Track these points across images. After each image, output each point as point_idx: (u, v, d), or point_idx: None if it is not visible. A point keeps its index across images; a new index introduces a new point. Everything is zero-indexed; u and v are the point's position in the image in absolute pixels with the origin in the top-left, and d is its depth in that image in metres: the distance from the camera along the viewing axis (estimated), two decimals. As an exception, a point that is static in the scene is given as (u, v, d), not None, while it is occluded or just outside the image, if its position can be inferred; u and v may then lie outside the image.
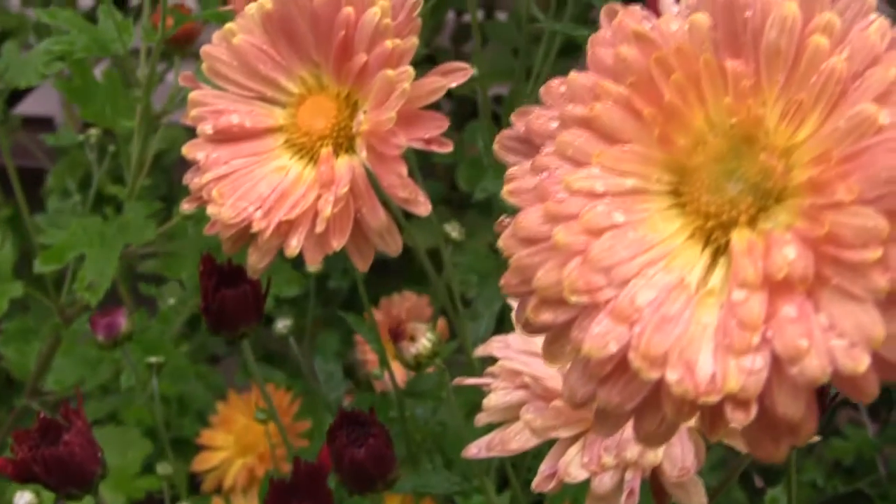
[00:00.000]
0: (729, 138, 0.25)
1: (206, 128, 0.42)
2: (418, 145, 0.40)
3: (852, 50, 0.23)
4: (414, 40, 0.40)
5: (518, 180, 0.25)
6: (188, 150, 0.42)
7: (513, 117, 0.27)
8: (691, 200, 0.25)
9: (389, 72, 0.39)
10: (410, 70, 0.39)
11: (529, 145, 0.26)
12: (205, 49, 0.43)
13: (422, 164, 1.22)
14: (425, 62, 1.31)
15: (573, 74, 0.25)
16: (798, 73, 0.24)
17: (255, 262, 0.41)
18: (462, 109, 1.23)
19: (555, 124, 0.25)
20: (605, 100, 0.25)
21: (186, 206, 0.43)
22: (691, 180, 0.25)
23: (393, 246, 0.41)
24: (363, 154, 0.40)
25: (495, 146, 0.26)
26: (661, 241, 0.24)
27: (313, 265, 0.40)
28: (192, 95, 0.43)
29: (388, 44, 0.39)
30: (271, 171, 0.42)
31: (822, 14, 0.24)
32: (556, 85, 0.26)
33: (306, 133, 0.42)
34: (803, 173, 0.24)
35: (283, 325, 0.58)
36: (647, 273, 0.24)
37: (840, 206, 0.22)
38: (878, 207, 0.22)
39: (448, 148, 0.39)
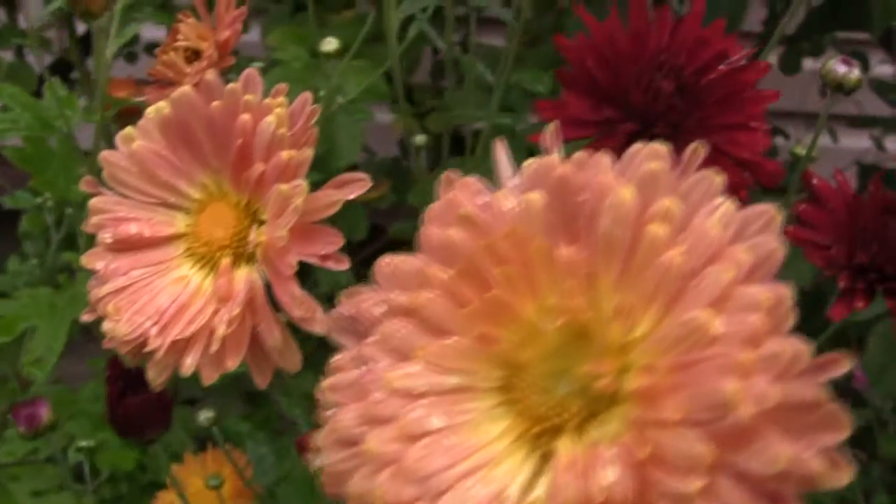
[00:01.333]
0: (561, 333, 0.22)
1: (105, 236, 0.41)
2: (314, 261, 0.38)
3: (692, 242, 0.21)
4: (309, 152, 0.38)
5: (341, 372, 0.23)
6: (87, 261, 0.41)
7: (342, 297, 0.25)
8: (521, 399, 0.22)
9: (283, 186, 0.37)
10: (304, 185, 0.37)
11: (361, 327, 0.24)
12: (103, 155, 0.41)
13: (396, 205, 1.21)
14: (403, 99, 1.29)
15: (400, 258, 0.23)
16: (634, 266, 0.22)
17: (154, 377, 0.40)
18: (439, 145, 1.21)
19: (382, 309, 0.23)
20: (431, 287, 0.23)
21: (86, 318, 0.41)
22: (522, 377, 0.23)
23: (291, 363, 0.39)
24: (261, 268, 0.38)
25: (328, 327, 0.24)
26: (484, 447, 0.22)
27: (209, 382, 0.39)
28: (93, 202, 0.41)
29: (284, 155, 0.37)
30: (171, 281, 0.40)
31: (661, 200, 0.21)
32: (386, 264, 0.24)
33: (206, 242, 0.40)
34: (635, 379, 0.21)
35: (204, 417, 0.56)
36: (465, 485, 0.21)
37: (665, 425, 0.20)
38: (704, 431, 0.20)
39: (344, 266, 0.37)
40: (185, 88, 0.39)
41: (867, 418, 1.22)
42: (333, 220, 1.14)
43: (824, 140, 1.48)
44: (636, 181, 0.22)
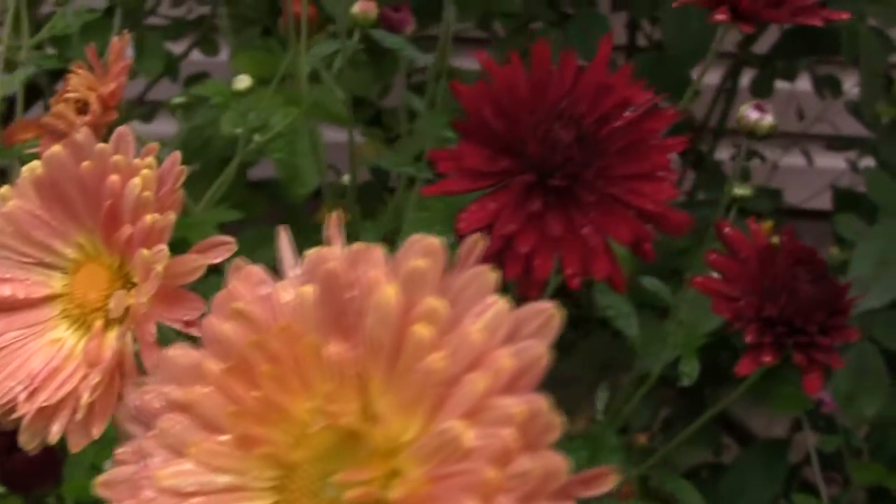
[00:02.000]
0: (331, 434, 0.22)
1: (-22, 300, 0.40)
2: (179, 326, 0.37)
3: (455, 345, 0.20)
4: (172, 216, 0.37)
5: (121, 466, 0.23)
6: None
7: (127, 388, 0.24)
8: (293, 501, 0.22)
9: (145, 252, 0.36)
10: (165, 250, 0.36)
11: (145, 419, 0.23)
12: (-24, 215, 0.40)
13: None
14: (373, 123, 1.29)
15: (181, 350, 0.23)
16: (400, 368, 0.21)
17: (27, 442, 0.39)
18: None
19: (161, 402, 0.23)
20: (206, 382, 0.22)
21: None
22: (294, 478, 0.22)
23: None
24: (130, 332, 0.38)
25: (118, 419, 0.24)
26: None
27: (76, 450, 0.38)
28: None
29: (148, 219, 0.37)
30: (45, 344, 0.40)
31: (426, 300, 0.21)
32: (173, 356, 0.23)
33: (81, 304, 0.40)
34: (397, 488, 0.20)
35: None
36: None
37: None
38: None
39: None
40: (56, 147, 0.39)
41: (838, 445, 1.20)
42: (306, 241, 1.12)
43: (800, 161, 1.47)
44: (402, 279, 0.21)
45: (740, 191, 0.62)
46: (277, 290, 0.22)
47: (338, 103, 0.97)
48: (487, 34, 1.35)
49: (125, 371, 0.38)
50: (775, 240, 1.26)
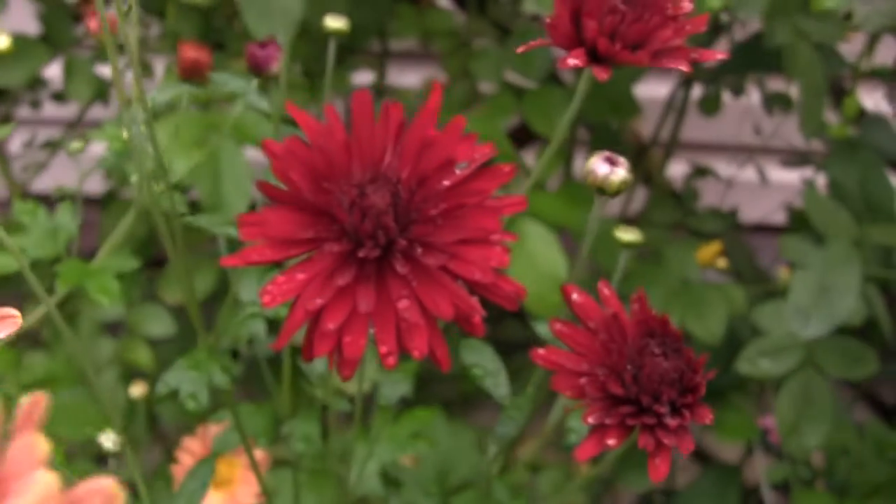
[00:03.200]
0: None
1: None
2: None
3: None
4: None
5: None
6: None
7: None
8: None
9: None
10: None
11: None
12: None
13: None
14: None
15: None
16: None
17: None
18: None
19: None
20: None
21: None
22: None
23: None
24: None
25: None
26: None
27: None
28: None
29: None
30: None
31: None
32: None
33: None
34: None
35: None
36: None
37: None
38: None
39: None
40: None
41: (786, 474, 1.16)
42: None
43: (753, 176, 1.43)
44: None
45: (626, 236, 0.58)
46: None
47: (264, 124, 0.93)
48: (427, 52, 1.31)
49: None
50: (721, 262, 1.21)
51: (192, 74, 0.62)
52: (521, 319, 1.27)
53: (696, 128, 1.39)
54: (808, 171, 1.31)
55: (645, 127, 1.33)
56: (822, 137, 1.10)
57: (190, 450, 0.83)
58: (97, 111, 1.28)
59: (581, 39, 0.46)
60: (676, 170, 1.41)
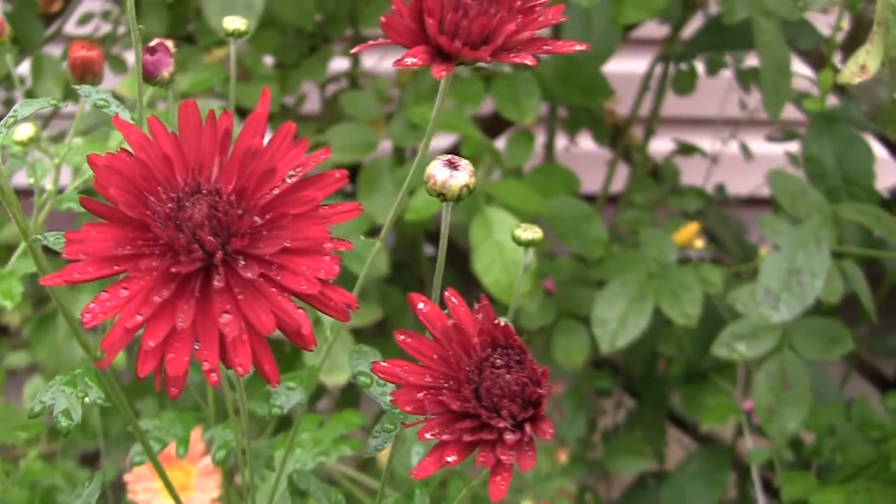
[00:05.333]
0: None
1: None
2: None
3: None
4: None
5: None
6: None
7: None
8: None
9: None
10: None
11: None
12: None
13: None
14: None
15: None
16: None
17: None
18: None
19: None
20: None
21: None
22: None
23: None
24: None
25: None
26: None
27: None
28: None
29: None
30: None
31: None
32: None
33: None
34: None
35: None
36: None
37: None
38: None
39: None
40: None
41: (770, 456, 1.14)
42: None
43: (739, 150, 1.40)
44: None
45: (525, 235, 0.56)
46: None
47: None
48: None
49: None
50: (699, 242, 1.18)
51: (83, 73, 0.62)
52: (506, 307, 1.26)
53: (679, 104, 1.37)
54: (793, 146, 1.28)
55: (624, 106, 1.30)
56: (771, 114, 1.07)
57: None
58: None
59: (425, 36, 0.45)
60: (660, 147, 1.39)
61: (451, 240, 1.33)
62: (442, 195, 0.45)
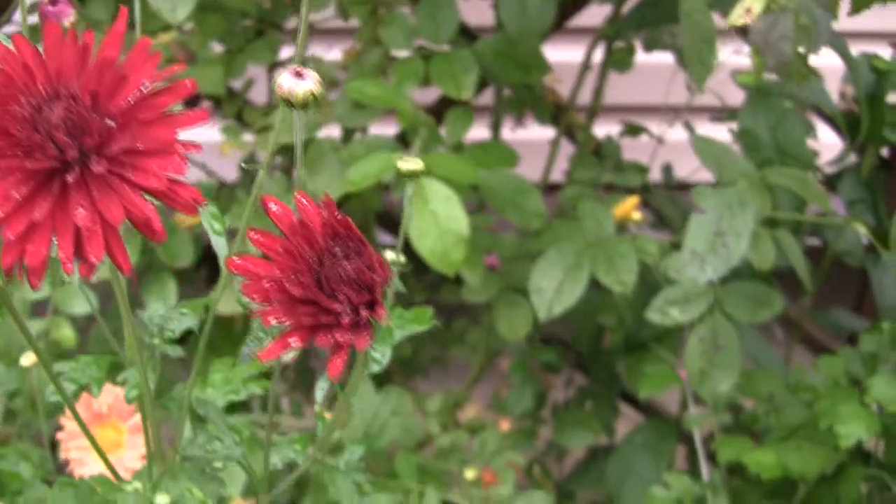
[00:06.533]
0: None
1: None
2: None
3: None
4: None
5: None
6: None
7: None
8: None
9: None
10: None
11: None
12: None
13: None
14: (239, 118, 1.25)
15: None
16: None
17: None
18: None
19: None
20: None
21: None
22: None
23: None
24: None
25: None
26: None
27: None
28: None
29: None
30: None
31: None
32: None
33: None
34: None
35: None
36: None
37: None
38: None
39: None
40: None
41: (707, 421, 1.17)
42: (162, 248, 1.11)
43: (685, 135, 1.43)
44: None
45: (406, 166, 0.59)
46: None
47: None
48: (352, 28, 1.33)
49: None
50: (636, 215, 1.21)
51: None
52: (459, 284, 1.29)
53: (625, 91, 1.40)
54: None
55: (567, 90, 1.33)
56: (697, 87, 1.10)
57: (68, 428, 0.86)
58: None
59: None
60: (608, 132, 1.42)
61: (396, 216, 1.36)
62: (289, 101, 0.48)
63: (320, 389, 0.69)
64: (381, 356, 0.63)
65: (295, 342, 0.45)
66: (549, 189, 1.37)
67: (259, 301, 0.46)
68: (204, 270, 1.34)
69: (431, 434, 1.33)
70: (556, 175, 1.40)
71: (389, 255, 0.61)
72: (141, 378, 0.66)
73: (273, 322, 0.45)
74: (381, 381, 1.28)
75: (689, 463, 1.40)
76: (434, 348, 1.45)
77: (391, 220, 1.39)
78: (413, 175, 0.61)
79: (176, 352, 0.70)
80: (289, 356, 0.51)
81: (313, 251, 0.46)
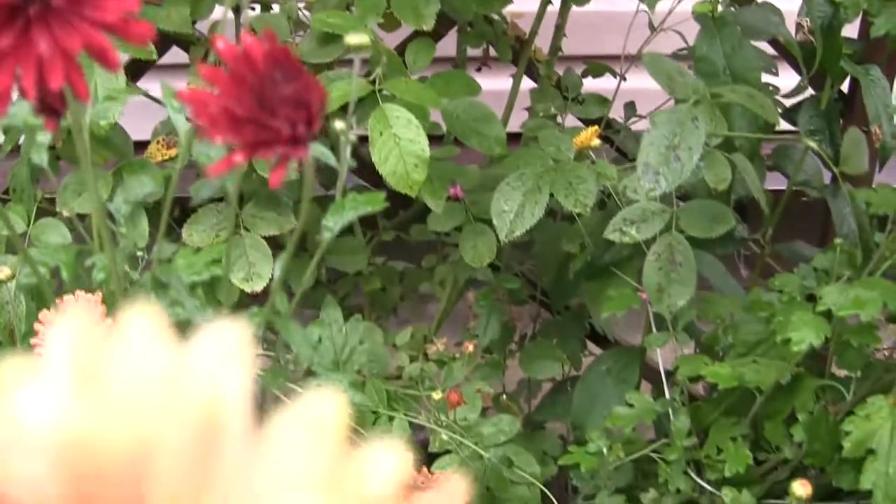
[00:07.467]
0: None
1: None
2: None
3: None
4: None
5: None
6: None
7: None
8: None
9: None
10: None
11: None
12: None
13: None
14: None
15: None
16: None
17: None
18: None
19: None
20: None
21: None
22: None
23: None
24: None
25: None
26: None
27: None
28: None
29: None
30: None
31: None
32: None
33: None
34: None
35: None
36: None
37: None
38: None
39: None
40: None
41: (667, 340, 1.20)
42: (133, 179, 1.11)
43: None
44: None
45: (353, 39, 0.62)
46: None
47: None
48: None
49: None
50: (596, 142, 1.24)
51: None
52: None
53: (585, 41, 1.43)
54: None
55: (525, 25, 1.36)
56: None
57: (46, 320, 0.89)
58: None
59: None
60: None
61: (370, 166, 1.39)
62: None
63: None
64: (332, 224, 0.66)
65: (239, 158, 0.48)
66: (511, 138, 1.40)
67: (206, 123, 0.49)
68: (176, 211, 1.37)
69: (401, 366, 1.36)
70: (516, 125, 1.42)
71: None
72: (110, 262, 0.69)
73: (219, 141, 0.48)
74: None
75: (655, 394, 1.44)
76: (405, 289, 1.48)
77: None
78: (360, 48, 0.64)
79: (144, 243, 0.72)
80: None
81: (256, 77, 0.49)
